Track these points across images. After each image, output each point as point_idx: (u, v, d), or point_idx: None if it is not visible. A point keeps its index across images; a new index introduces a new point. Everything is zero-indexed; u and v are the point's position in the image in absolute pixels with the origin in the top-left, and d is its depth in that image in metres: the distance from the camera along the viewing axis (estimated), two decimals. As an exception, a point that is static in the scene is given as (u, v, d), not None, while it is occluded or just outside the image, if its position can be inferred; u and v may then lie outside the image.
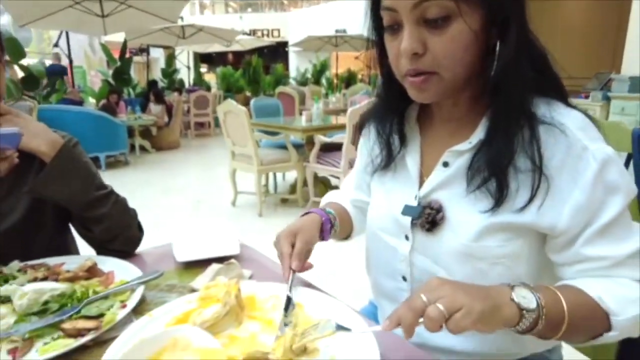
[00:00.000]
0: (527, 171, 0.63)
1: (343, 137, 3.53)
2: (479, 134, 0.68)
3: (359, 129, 0.90)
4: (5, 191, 0.93)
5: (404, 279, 0.77)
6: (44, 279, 0.78)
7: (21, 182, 0.94)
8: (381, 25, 0.67)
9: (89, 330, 0.64)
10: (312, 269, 0.77)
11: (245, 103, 10.84)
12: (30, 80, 6.41)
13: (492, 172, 0.64)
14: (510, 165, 0.64)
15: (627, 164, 0.92)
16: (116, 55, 8.79)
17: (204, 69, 14.53)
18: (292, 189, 4.39)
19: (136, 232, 1.02)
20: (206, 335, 0.58)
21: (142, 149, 7.46)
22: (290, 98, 6.66)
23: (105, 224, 0.94)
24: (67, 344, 0.62)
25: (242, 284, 0.73)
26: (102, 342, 0.64)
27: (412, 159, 0.77)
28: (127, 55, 8.94)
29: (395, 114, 0.79)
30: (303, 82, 12.91)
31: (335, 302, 0.72)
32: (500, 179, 0.64)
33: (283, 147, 4.07)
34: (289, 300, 0.69)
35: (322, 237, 0.83)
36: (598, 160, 0.61)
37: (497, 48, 0.63)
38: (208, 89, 11.55)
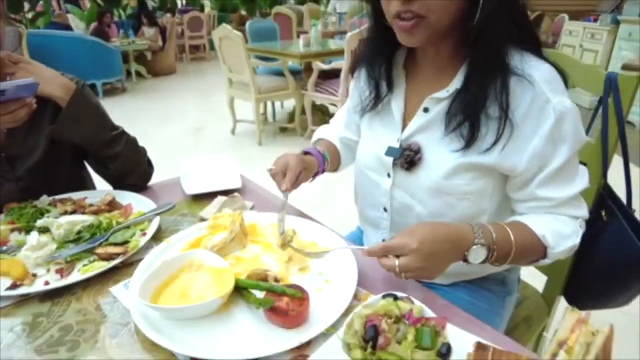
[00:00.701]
0: (495, 118, 0.71)
1: (341, 64, 3.49)
2: (456, 83, 0.75)
3: (351, 71, 0.96)
4: (25, 133, 1.02)
5: (385, 209, 0.88)
6: (73, 212, 0.90)
7: (39, 123, 1.02)
8: None
9: (118, 254, 0.77)
10: (307, 200, 0.88)
11: (241, 23, 10.36)
12: (14, 1, 6.12)
13: (466, 117, 0.72)
14: (482, 112, 0.72)
15: (597, 108, 0.98)
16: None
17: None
18: (291, 117, 4.42)
19: (147, 168, 1.12)
20: (216, 257, 0.71)
21: (138, 74, 7.31)
22: (287, 19, 6.38)
23: (119, 161, 1.04)
24: (102, 266, 0.75)
25: (245, 214, 0.85)
26: (129, 264, 0.78)
27: (396, 105, 0.84)
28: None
29: (383, 58, 0.84)
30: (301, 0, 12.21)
31: (324, 229, 0.84)
32: (472, 123, 0.72)
33: (280, 73, 4.01)
34: (284, 203, 0.81)
35: (314, 176, 0.94)
36: (557, 113, 0.69)
37: (481, 3, 0.67)
38: (202, 8, 10.98)
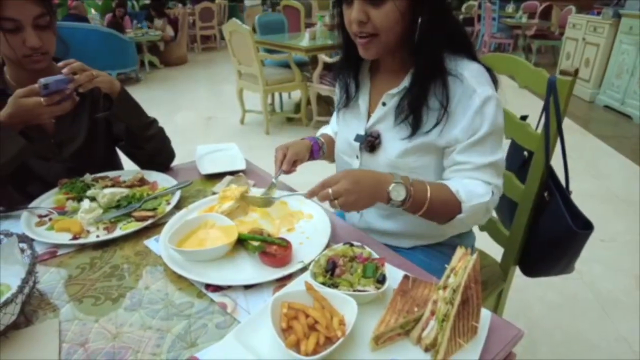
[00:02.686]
0: (435, 109, 0.92)
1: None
2: (405, 82, 0.96)
3: (333, 77, 1.18)
4: (70, 122, 1.25)
5: None
6: (112, 186, 1.13)
7: (80, 114, 1.25)
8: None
9: (149, 217, 1.00)
10: (301, 181, 1.12)
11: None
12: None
13: (411, 111, 0.93)
14: (424, 105, 0.92)
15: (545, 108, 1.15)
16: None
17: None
18: (297, 107, 4.61)
19: (172, 150, 1.36)
20: (225, 218, 0.94)
21: (151, 64, 7.55)
22: (295, 11, 6.55)
23: (154, 142, 1.28)
24: (138, 225, 0.98)
25: (248, 189, 1.07)
26: (158, 225, 1.00)
27: (363, 101, 1.06)
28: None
29: (352, 66, 1.07)
30: (310, -10, 12.28)
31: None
32: (415, 115, 0.93)
33: (287, 66, 4.19)
34: (273, 184, 1.05)
35: (313, 156, 1.18)
36: (481, 98, 0.89)
37: (419, 22, 0.88)
38: (212, -2, 11.15)
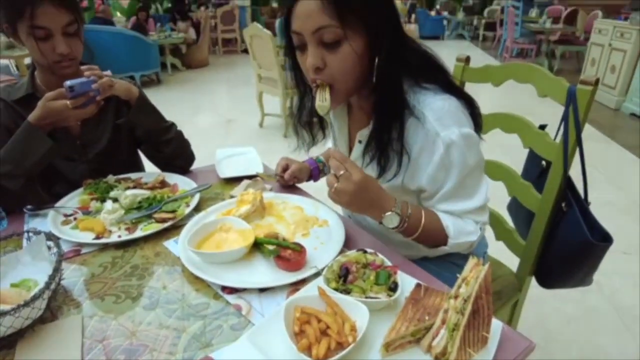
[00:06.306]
0: (398, 152, 0.88)
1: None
2: (372, 123, 0.91)
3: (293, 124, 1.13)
4: (95, 125, 1.29)
5: (350, 215, 1.13)
6: (134, 187, 1.16)
7: (105, 117, 1.30)
8: (293, 45, 0.88)
9: (169, 219, 1.03)
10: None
11: (273, 15, 10.56)
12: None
13: (377, 151, 0.89)
14: (389, 147, 0.87)
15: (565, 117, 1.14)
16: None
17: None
18: (315, 110, 4.63)
19: (192, 154, 1.39)
20: (242, 222, 0.96)
21: (174, 67, 7.70)
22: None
23: (172, 145, 1.31)
24: (158, 226, 1.01)
25: (264, 193, 1.09)
26: (177, 226, 1.03)
27: (342, 136, 1.07)
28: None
29: (315, 114, 1.02)
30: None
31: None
32: (381, 158, 0.89)
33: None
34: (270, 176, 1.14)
35: (313, 180, 1.21)
36: (445, 144, 0.84)
37: (376, 62, 0.83)
38: (234, 0, 11.31)
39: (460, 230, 0.92)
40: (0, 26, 1.10)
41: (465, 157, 0.86)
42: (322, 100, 0.85)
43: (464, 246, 0.95)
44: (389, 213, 0.85)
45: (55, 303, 0.78)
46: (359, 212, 0.87)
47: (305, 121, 1.06)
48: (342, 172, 0.80)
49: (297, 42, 0.85)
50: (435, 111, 0.85)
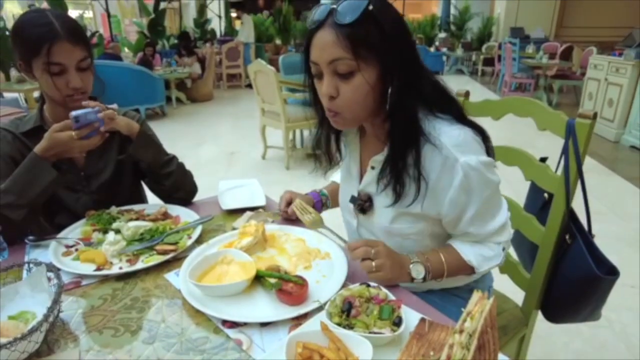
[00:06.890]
0: (415, 179, 0.89)
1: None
2: (387, 149, 0.92)
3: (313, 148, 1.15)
4: (97, 157, 1.31)
5: None
6: (136, 219, 1.16)
7: (109, 149, 1.32)
8: (313, 81, 0.93)
9: (171, 251, 1.03)
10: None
11: (276, 52, 10.86)
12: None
13: (392, 178, 0.91)
14: (404, 173, 0.89)
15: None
16: (147, 2, 8.97)
17: (234, 13, 14.45)
18: (317, 143, 4.68)
19: (194, 186, 1.39)
20: (244, 254, 0.95)
21: (178, 100, 7.85)
22: (319, 51, 6.77)
23: (173, 178, 1.31)
24: (159, 258, 1.00)
25: (266, 225, 1.09)
26: (179, 258, 1.03)
27: (354, 162, 1.08)
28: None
29: (334, 134, 1.07)
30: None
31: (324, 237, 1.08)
32: (397, 184, 0.90)
33: (309, 104, 4.30)
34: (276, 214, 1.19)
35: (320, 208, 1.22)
36: (464, 169, 0.85)
37: (389, 92, 0.86)
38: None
39: (482, 257, 0.96)
40: (14, 62, 1.13)
41: (486, 179, 0.88)
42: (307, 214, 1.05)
43: (490, 269, 0.99)
44: (411, 265, 0.90)
45: (52, 336, 0.77)
46: (396, 278, 0.89)
47: (324, 145, 1.08)
48: (373, 251, 0.87)
49: (314, 71, 0.89)
50: (452, 138, 0.87)
